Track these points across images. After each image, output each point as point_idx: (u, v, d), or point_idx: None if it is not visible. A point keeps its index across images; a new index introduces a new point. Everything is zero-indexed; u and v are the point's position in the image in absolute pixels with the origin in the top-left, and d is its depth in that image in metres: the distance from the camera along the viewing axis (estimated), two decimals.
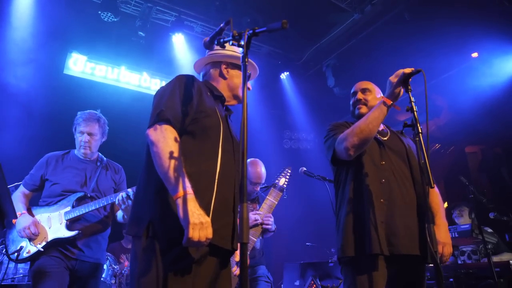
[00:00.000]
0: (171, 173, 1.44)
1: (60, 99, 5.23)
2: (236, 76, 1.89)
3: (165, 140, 1.50)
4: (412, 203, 2.05)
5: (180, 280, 1.47)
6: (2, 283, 3.09)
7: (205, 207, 1.48)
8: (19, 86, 5.16)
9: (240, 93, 1.87)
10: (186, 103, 1.63)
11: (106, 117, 2.92)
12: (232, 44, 1.49)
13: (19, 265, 3.31)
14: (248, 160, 3.15)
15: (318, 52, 6.69)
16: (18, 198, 2.61)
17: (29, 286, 2.70)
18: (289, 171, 2.99)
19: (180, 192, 1.41)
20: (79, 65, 6.01)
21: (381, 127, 2.28)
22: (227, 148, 1.70)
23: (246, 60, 1.43)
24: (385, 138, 2.22)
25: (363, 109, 2.25)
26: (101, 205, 2.54)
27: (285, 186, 2.89)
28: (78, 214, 2.52)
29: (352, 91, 2.37)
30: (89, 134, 2.71)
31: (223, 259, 1.65)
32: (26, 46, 5.28)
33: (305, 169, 3.27)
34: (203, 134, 1.64)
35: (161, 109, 1.57)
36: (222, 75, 1.88)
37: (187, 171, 1.47)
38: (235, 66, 1.90)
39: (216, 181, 1.59)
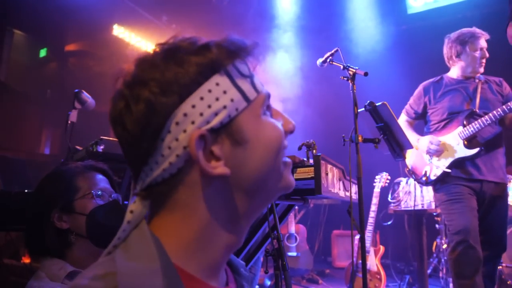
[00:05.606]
0: None
1: (415, 39, 5.41)
2: None
3: None
4: None
5: None
6: (415, 209, 3.53)
7: None
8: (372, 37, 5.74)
9: None
10: None
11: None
12: None
13: (424, 192, 3.63)
14: None
15: None
16: (407, 127, 2.77)
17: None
18: None
19: None
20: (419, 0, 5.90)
21: None
22: None
23: None
24: None
25: None
26: (493, 119, 2.36)
27: None
28: (472, 132, 2.44)
29: None
30: (487, 49, 2.56)
31: None
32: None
33: None
34: None
35: None
36: None
37: None
38: None
39: None
